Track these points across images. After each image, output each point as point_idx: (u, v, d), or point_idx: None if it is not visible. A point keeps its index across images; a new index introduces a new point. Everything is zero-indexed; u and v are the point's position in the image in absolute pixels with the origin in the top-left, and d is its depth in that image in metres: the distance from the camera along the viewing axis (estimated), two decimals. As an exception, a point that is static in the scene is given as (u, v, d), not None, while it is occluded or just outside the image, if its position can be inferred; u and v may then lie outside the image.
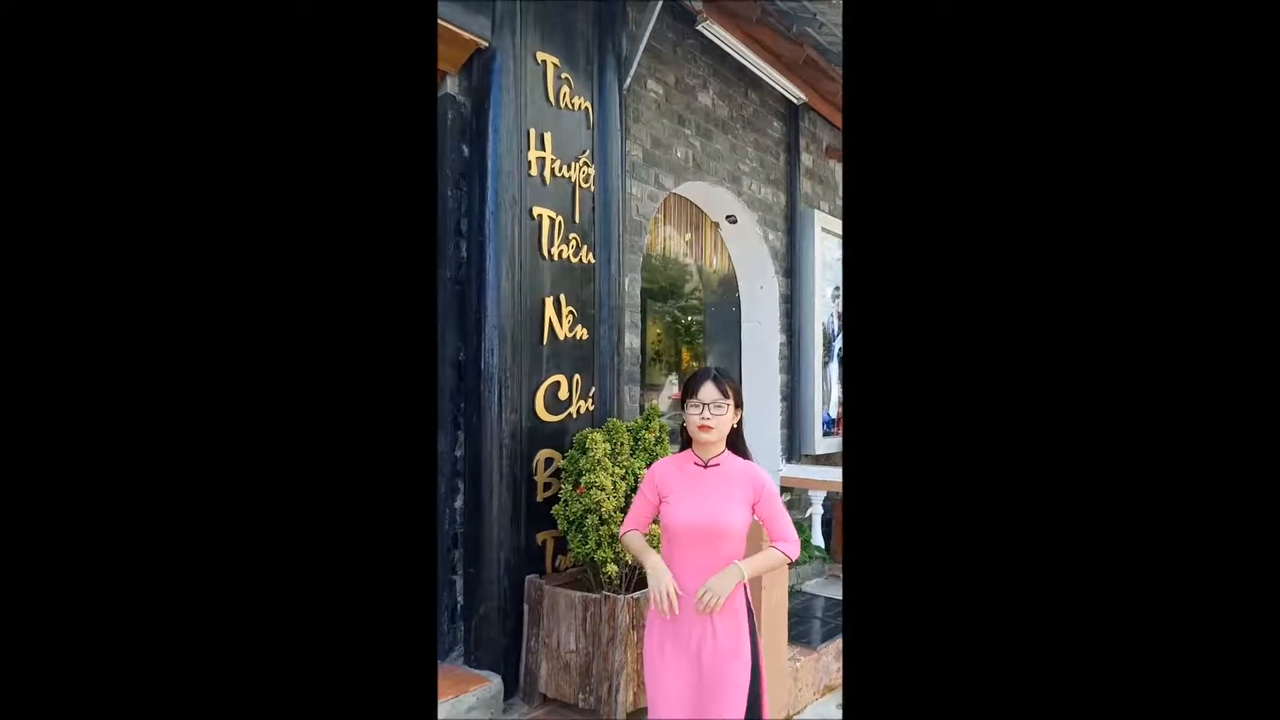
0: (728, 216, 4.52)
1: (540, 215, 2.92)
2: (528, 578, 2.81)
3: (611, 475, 2.64)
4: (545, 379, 2.94)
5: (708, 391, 1.88)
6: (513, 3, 2.84)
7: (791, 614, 3.33)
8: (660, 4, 3.31)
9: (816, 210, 4.89)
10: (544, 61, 2.95)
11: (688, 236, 4.49)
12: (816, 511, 4.60)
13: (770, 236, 4.62)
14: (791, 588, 3.96)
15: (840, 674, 3.24)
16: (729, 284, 4.81)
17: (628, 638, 2.52)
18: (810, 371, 4.83)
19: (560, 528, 2.76)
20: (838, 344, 5.10)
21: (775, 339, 4.73)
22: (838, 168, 5.21)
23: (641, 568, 2.70)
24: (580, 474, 2.68)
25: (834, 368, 5.08)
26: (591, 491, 2.59)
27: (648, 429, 2.85)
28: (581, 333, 3.09)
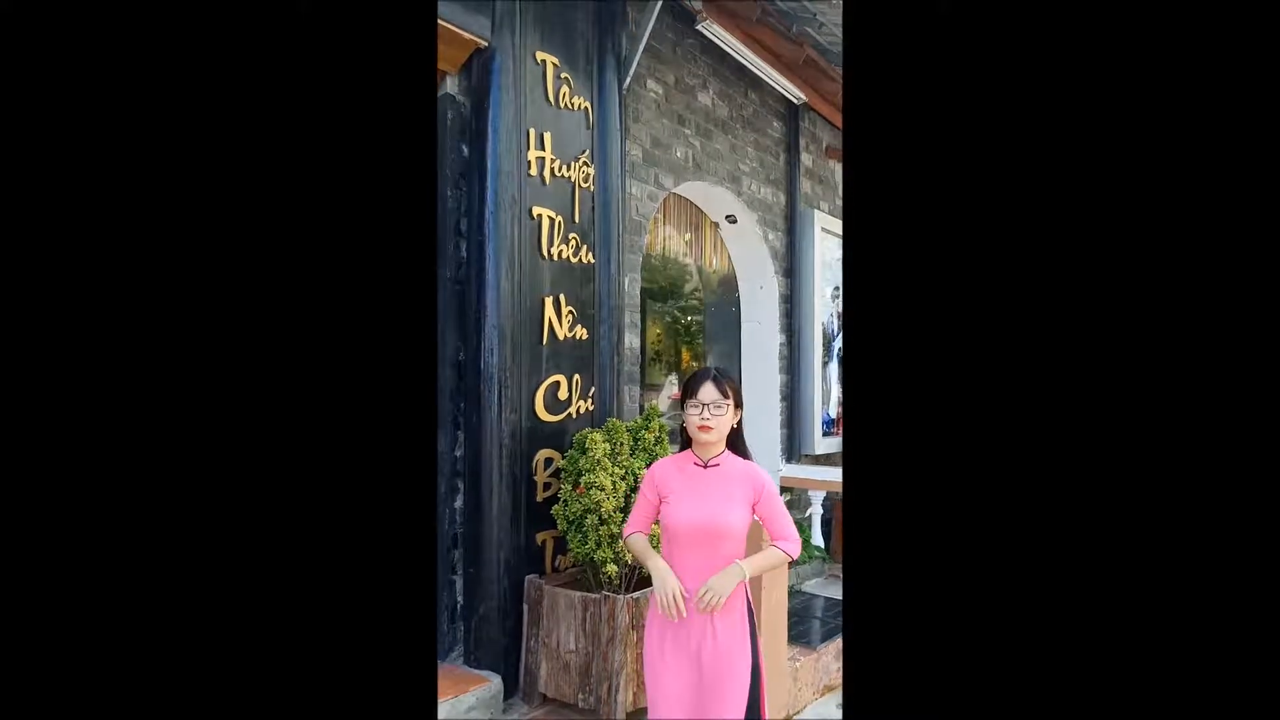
0: (727, 216, 4.52)
1: (540, 215, 2.92)
2: (527, 578, 2.81)
3: (611, 475, 2.64)
4: (545, 379, 2.94)
5: (707, 392, 1.88)
6: (512, 2, 2.84)
7: (791, 614, 3.33)
8: (660, 4, 3.31)
9: (816, 210, 4.89)
10: (544, 61, 2.95)
11: (687, 236, 4.49)
12: (816, 511, 4.60)
13: (770, 236, 4.62)
14: (791, 587, 3.96)
15: (840, 674, 3.24)
16: (729, 284, 4.81)
17: (627, 638, 2.52)
18: (810, 371, 4.83)
19: (560, 528, 2.76)
20: (837, 344, 5.11)
21: (775, 339, 4.73)
22: (837, 168, 5.21)
23: (643, 568, 2.71)
24: (580, 474, 2.68)
25: (834, 368, 5.08)
26: (591, 491, 2.59)
27: (647, 429, 2.85)
28: (581, 333, 3.09)
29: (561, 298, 3.00)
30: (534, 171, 2.90)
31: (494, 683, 2.68)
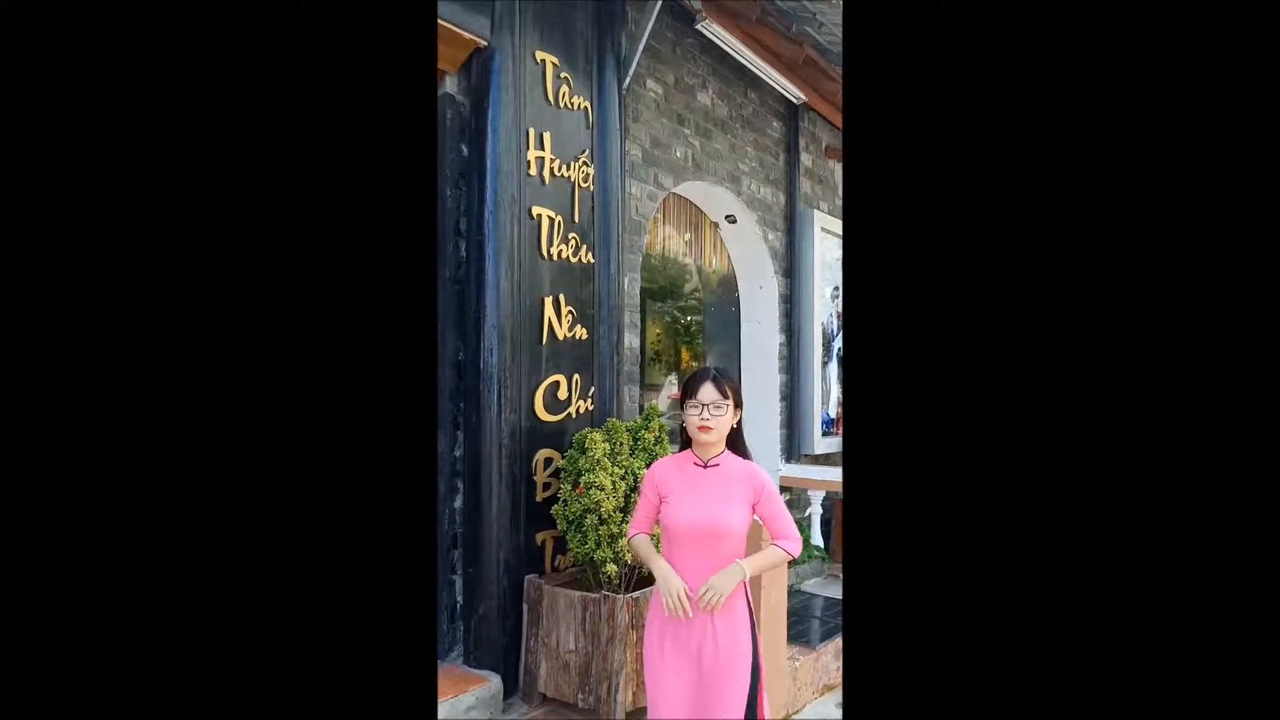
0: (727, 216, 4.52)
1: (539, 215, 2.92)
2: (527, 577, 2.81)
3: (611, 475, 2.64)
4: (544, 379, 2.94)
5: (707, 392, 1.88)
6: (512, 2, 2.84)
7: (790, 613, 3.34)
8: (659, 3, 3.31)
9: (816, 210, 4.89)
10: (543, 61, 2.95)
11: (687, 236, 4.49)
12: (815, 511, 4.60)
13: (770, 236, 4.62)
14: (790, 587, 3.96)
15: (839, 673, 3.24)
16: (728, 284, 4.81)
17: (627, 637, 2.52)
18: (809, 371, 4.83)
19: (559, 527, 2.76)
20: (837, 344, 5.11)
21: (774, 339, 4.73)
22: (837, 168, 5.21)
23: (643, 568, 2.71)
24: (579, 474, 2.68)
25: (833, 367, 5.08)
26: (591, 491, 2.59)
27: (647, 429, 2.85)
28: (581, 332, 3.09)
29: (561, 297, 3.00)
30: (533, 171, 2.90)
31: (493, 682, 2.68)
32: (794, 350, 4.82)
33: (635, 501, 2.66)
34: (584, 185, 3.11)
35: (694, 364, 4.64)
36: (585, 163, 3.12)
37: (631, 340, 3.59)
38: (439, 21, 2.55)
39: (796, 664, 3.03)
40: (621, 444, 2.76)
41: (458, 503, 2.85)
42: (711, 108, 4.11)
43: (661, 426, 2.91)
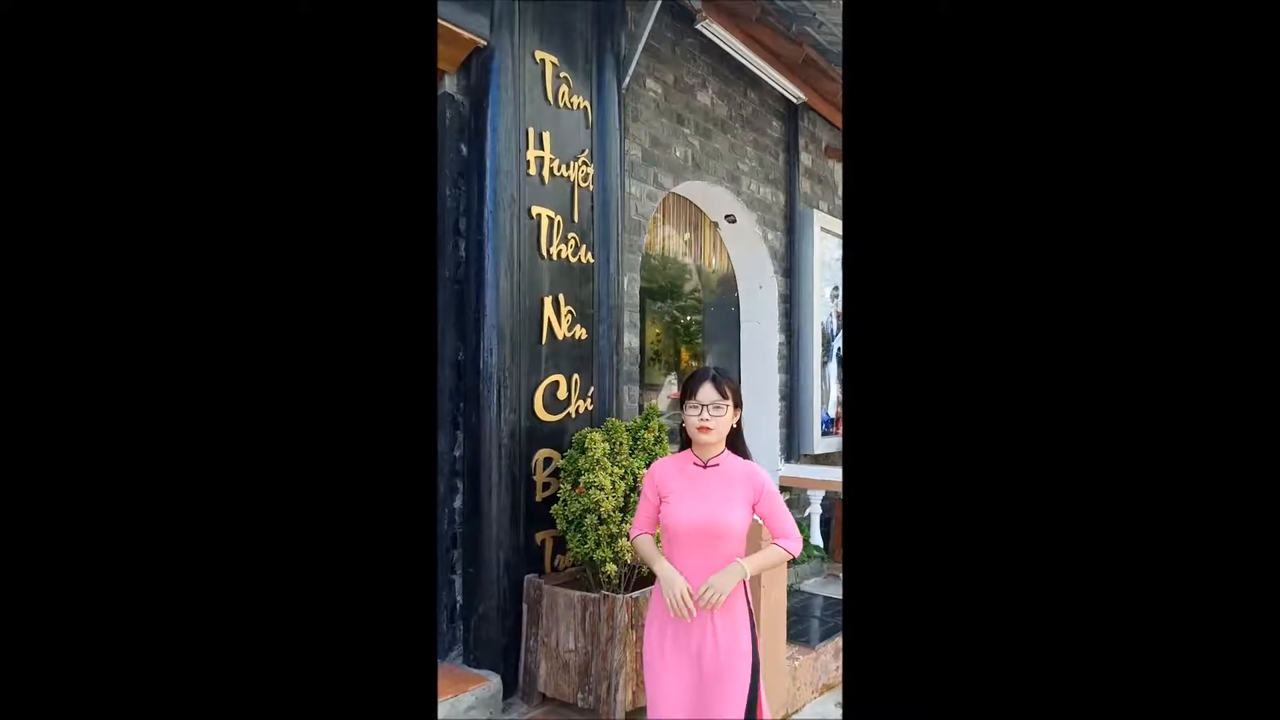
0: (727, 216, 4.52)
1: (539, 214, 2.92)
2: (527, 577, 2.81)
3: (610, 475, 2.64)
4: (544, 379, 2.94)
5: (706, 393, 1.88)
6: (511, 2, 2.84)
7: (790, 613, 3.34)
8: (659, 3, 3.31)
9: (815, 210, 4.89)
10: (542, 60, 2.95)
11: (687, 236, 4.49)
12: (815, 511, 4.60)
13: (769, 236, 4.62)
14: (790, 587, 3.96)
15: (838, 672, 3.25)
16: (728, 283, 4.81)
17: (626, 637, 2.52)
18: (809, 371, 4.84)
19: (559, 527, 2.76)
20: (836, 343, 5.11)
21: (774, 339, 4.73)
22: (837, 167, 5.21)
23: (643, 568, 2.71)
24: (579, 474, 2.68)
25: (833, 367, 5.09)
26: (590, 491, 2.59)
27: (647, 429, 2.85)
28: (580, 332, 3.09)
29: (560, 297, 3.00)
30: (533, 171, 2.90)
31: (493, 682, 2.68)
32: (793, 350, 4.82)
33: (635, 501, 2.66)
34: (583, 185, 3.11)
35: (693, 364, 4.64)
36: (585, 162, 3.12)
37: (631, 340, 3.59)
38: (438, 21, 2.55)
39: (796, 663, 3.03)
40: (621, 444, 2.76)
41: (457, 503, 2.85)
42: (711, 107, 4.11)
43: (661, 426, 2.91)
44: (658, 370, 4.47)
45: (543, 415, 2.92)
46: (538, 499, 2.89)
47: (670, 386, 4.49)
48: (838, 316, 5.11)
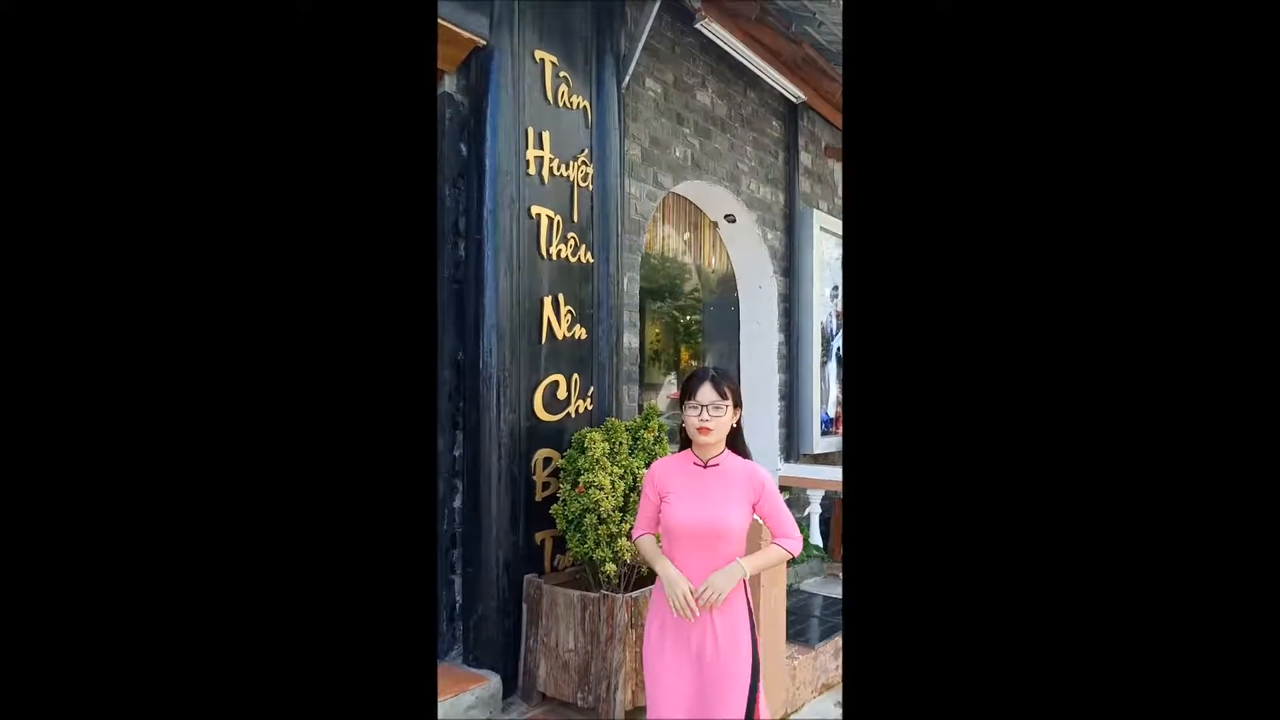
0: (726, 216, 4.52)
1: (538, 214, 2.92)
2: (526, 577, 2.81)
3: (610, 475, 2.64)
4: (544, 378, 2.94)
5: (705, 393, 1.88)
6: (511, 1, 2.84)
7: (789, 612, 3.34)
8: (659, 2, 3.31)
9: (815, 210, 4.89)
10: (542, 60, 2.95)
11: (686, 236, 4.49)
12: (814, 510, 4.60)
13: (769, 236, 4.62)
14: (789, 586, 3.96)
15: (837, 672, 3.25)
16: (728, 283, 4.81)
17: (626, 636, 2.52)
18: (809, 371, 4.84)
19: (559, 527, 2.76)
20: (836, 343, 5.11)
21: (774, 338, 4.73)
22: (836, 167, 5.21)
23: (642, 567, 2.71)
24: (579, 473, 2.69)
25: (832, 367, 5.09)
26: (590, 491, 2.59)
27: (646, 428, 2.85)
28: (580, 332, 3.09)
29: (560, 297, 3.00)
30: (532, 170, 2.90)
31: (493, 682, 2.68)
32: (793, 349, 4.83)
33: (634, 501, 2.66)
34: (583, 185, 3.11)
35: (693, 363, 4.65)
36: (584, 162, 3.12)
37: (630, 340, 3.59)
38: (438, 21, 2.54)
39: (795, 663, 3.03)
40: (621, 443, 2.76)
41: (457, 503, 2.85)
42: (711, 107, 4.11)
43: (661, 426, 2.91)
44: (657, 370, 4.48)
45: (542, 415, 2.92)
46: (537, 499, 2.89)
47: (670, 386, 4.49)
48: (837, 316, 5.11)
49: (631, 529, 2.45)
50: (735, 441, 1.97)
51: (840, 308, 5.09)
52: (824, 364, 4.98)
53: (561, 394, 3.00)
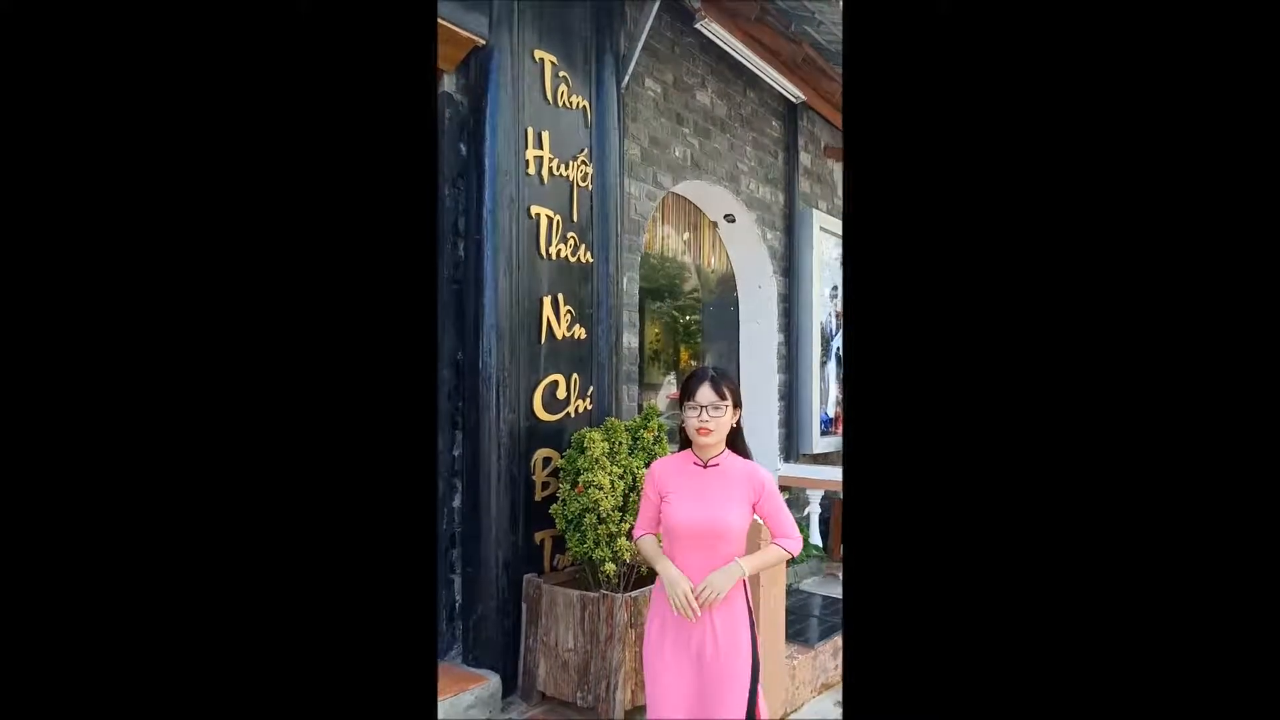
0: (726, 216, 4.52)
1: (538, 214, 2.92)
2: (526, 576, 2.81)
3: (610, 474, 2.64)
4: (543, 378, 2.94)
5: (705, 394, 1.88)
6: (510, 1, 2.84)
7: (789, 612, 3.34)
8: (658, 2, 3.31)
9: (815, 210, 4.89)
10: (542, 60, 2.95)
11: (686, 236, 4.49)
12: (814, 510, 4.60)
13: (768, 236, 4.62)
14: (789, 586, 3.97)
15: (837, 671, 3.25)
16: (727, 283, 4.81)
17: (626, 636, 2.52)
18: (808, 371, 4.84)
19: (558, 527, 2.76)
20: (836, 343, 5.11)
21: (773, 338, 4.73)
22: (836, 167, 5.21)
23: (642, 567, 2.71)
24: (578, 473, 2.69)
25: (831, 367, 5.09)
26: (590, 491, 2.59)
27: (646, 428, 2.85)
28: (579, 332, 3.09)
29: (560, 297, 3.00)
30: (532, 170, 2.89)
31: (493, 681, 2.68)
32: (792, 349, 4.83)
33: (634, 501, 2.66)
34: (582, 184, 3.11)
35: (693, 363, 4.65)
36: (584, 162, 3.12)
37: (630, 340, 3.59)
38: (438, 20, 2.54)
39: (794, 663, 3.03)
40: (620, 443, 2.76)
41: (456, 502, 2.85)
42: (710, 107, 4.11)
43: (660, 426, 2.91)
44: (657, 370, 4.48)
45: (542, 415, 2.92)
46: (537, 499, 2.89)
47: (669, 386, 4.49)
48: (837, 316, 5.11)
49: (631, 529, 2.45)
50: (735, 441, 1.97)
51: (840, 308, 5.10)
52: (823, 364, 4.98)
53: (561, 394, 3.00)
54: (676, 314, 4.61)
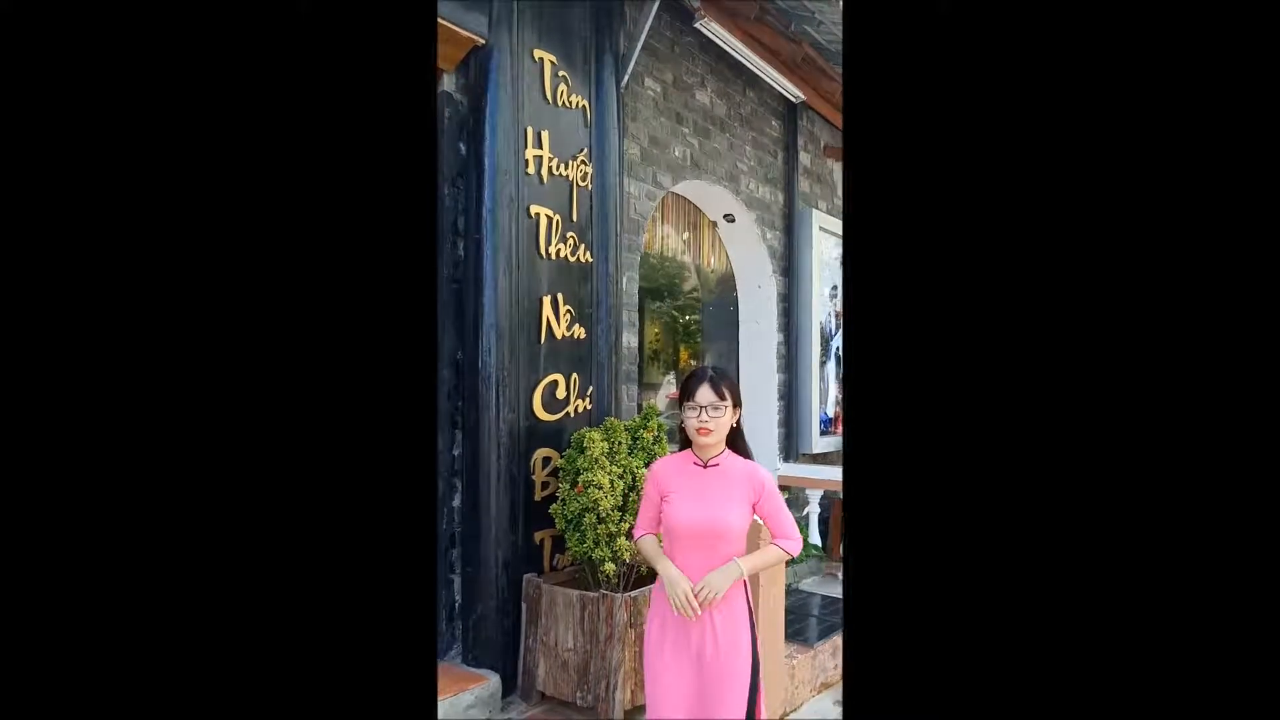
0: (725, 215, 4.52)
1: (538, 214, 2.91)
2: (526, 576, 2.81)
3: (609, 474, 2.64)
4: (543, 378, 2.93)
5: (704, 394, 1.87)
6: (510, 0, 2.84)
7: (788, 612, 3.34)
8: (658, 1, 3.31)
9: (814, 209, 4.89)
10: (541, 59, 2.95)
11: (685, 235, 4.49)
12: (813, 510, 4.61)
13: (768, 235, 4.62)
14: (788, 586, 3.97)
15: (836, 671, 3.25)
16: (727, 283, 4.81)
17: (625, 636, 2.52)
18: (808, 370, 4.84)
19: (558, 526, 2.76)
20: (835, 343, 5.11)
21: (773, 338, 4.73)
22: (836, 167, 5.22)
23: (641, 566, 2.71)
24: (578, 473, 2.69)
25: (831, 367, 5.09)
26: (589, 490, 2.59)
27: (645, 428, 2.85)
28: (579, 332, 3.09)
29: (559, 297, 3.00)
30: (531, 170, 2.89)
31: (492, 681, 2.68)
32: (792, 349, 4.83)
33: (633, 501, 2.66)
34: (582, 184, 3.11)
35: (692, 363, 4.65)
36: (583, 161, 3.12)
37: (630, 339, 3.59)
38: (438, 20, 2.54)
39: (794, 662, 3.03)
40: (620, 443, 2.76)
41: (456, 502, 2.85)
42: (710, 106, 4.11)
43: (660, 426, 2.91)
44: (656, 370, 4.48)
45: (541, 415, 2.92)
46: (536, 498, 2.89)
47: (669, 386, 4.49)
48: (836, 316, 5.11)
49: (631, 529, 2.45)
50: (736, 441, 1.97)
51: (839, 307, 5.10)
52: (823, 364, 4.98)
53: (560, 393, 3.00)
54: (676, 314, 4.61)
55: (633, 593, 2.59)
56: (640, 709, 2.37)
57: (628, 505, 2.66)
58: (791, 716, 2.96)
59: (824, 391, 4.99)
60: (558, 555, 2.95)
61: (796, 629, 3.42)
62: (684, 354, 4.67)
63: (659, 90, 3.76)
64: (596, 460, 2.64)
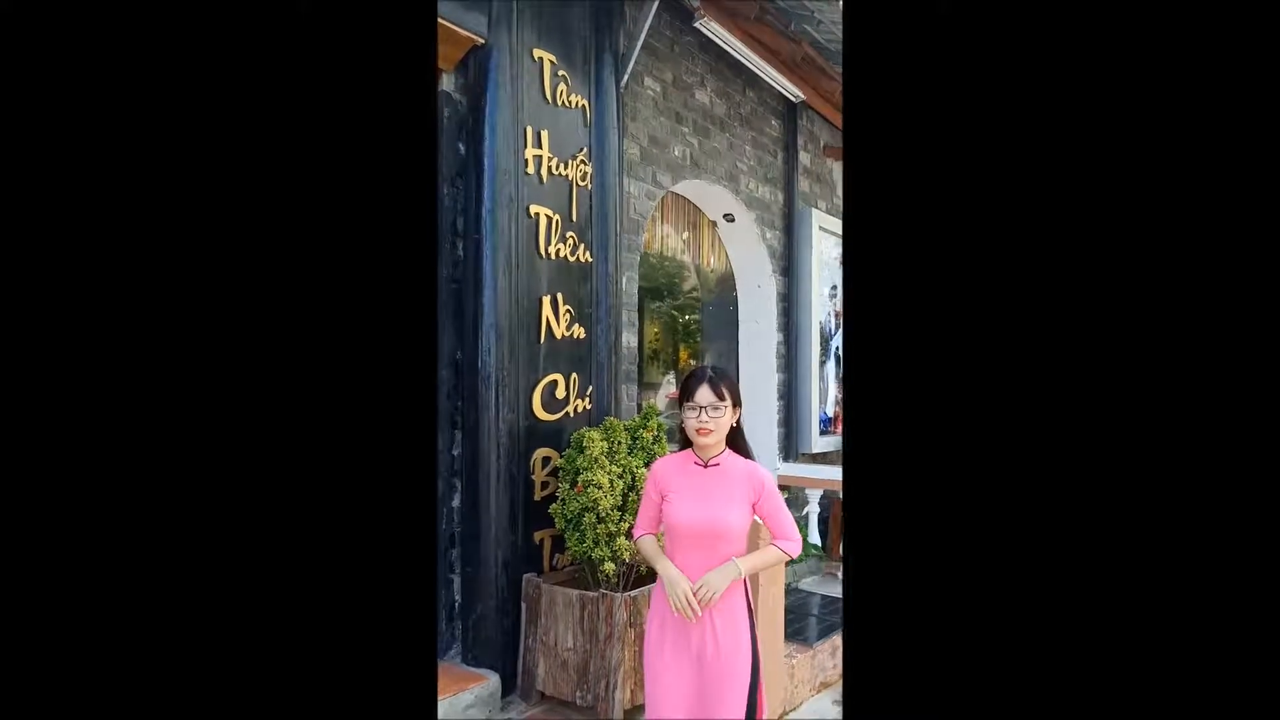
0: (725, 215, 4.52)
1: (537, 214, 2.91)
2: (525, 576, 2.81)
3: (609, 474, 2.64)
4: (542, 378, 2.93)
5: (703, 394, 1.87)
6: (509, 0, 2.83)
7: (788, 611, 3.34)
8: (657, 1, 3.30)
9: (814, 209, 4.89)
10: (541, 59, 2.95)
11: (685, 235, 4.49)
12: (813, 509, 4.61)
13: (768, 235, 4.62)
14: (788, 585, 3.97)
15: (836, 671, 3.25)
16: (726, 283, 4.81)
17: (625, 635, 2.52)
18: (807, 370, 4.84)
19: (558, 526, 2.76)
20: (835, 343, 5.11)
21: (772, 338, 4.73)
22: (836, 166, 5.22)
23: (641, 566, 2.71)
24: (578, 473, 2.69)
25: (831, 366, 5.09)
26: (589, 490, 2.59)
27: (645, 428, 2.85)
28: (579, 331, 3.09)
29: (559, 296, 3.00)
30: (531, 170, 2.89)
31: (492, 681, 2.68)
32: (792, 349, 4.83)
33: (633, 500, 2.66)
34: (582, 184, 3.10)
35: (692, 362, 4.65)
36: (583, 161, 3.11)
37: (629, 339, 3.59)
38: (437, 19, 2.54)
39: (794, 662, 3.03)
40: (619, 443, 2.76)
41: (456, 502, 2.85)
42: (710, 106, 4.10)
43: (659, 425, 2.91)
44: (656, 369, 4.48)
45: (541, 414, 2.92)
46: (536, 498, 2.89)
47: (669, 385, 4.49)
48: (836, 315, 5.12)
49: (631, 528, 2.45)
50: (736, 441, 1.97)
51: (839, 307, 5.10)
52: (822, 363, 4.98)
53: (560, 393, 3.00)
54: (676, 313, 4.61)
55: (632, 592, 2.59)
56: (640, 709, 2.37)
57: (627, 505, 2.66)
58: (791, 716, 2.96)
59: (823, 391, 4.99)
60: (557, 555, 2.95)
61: (796, 628, 3.42)
62: (684, 354, 4.67)
63: (659, 90, 3.76)
64: (596, 460, 2.64)
